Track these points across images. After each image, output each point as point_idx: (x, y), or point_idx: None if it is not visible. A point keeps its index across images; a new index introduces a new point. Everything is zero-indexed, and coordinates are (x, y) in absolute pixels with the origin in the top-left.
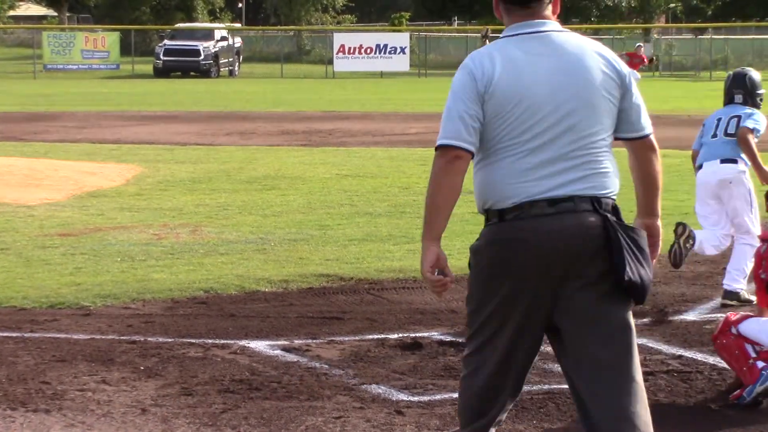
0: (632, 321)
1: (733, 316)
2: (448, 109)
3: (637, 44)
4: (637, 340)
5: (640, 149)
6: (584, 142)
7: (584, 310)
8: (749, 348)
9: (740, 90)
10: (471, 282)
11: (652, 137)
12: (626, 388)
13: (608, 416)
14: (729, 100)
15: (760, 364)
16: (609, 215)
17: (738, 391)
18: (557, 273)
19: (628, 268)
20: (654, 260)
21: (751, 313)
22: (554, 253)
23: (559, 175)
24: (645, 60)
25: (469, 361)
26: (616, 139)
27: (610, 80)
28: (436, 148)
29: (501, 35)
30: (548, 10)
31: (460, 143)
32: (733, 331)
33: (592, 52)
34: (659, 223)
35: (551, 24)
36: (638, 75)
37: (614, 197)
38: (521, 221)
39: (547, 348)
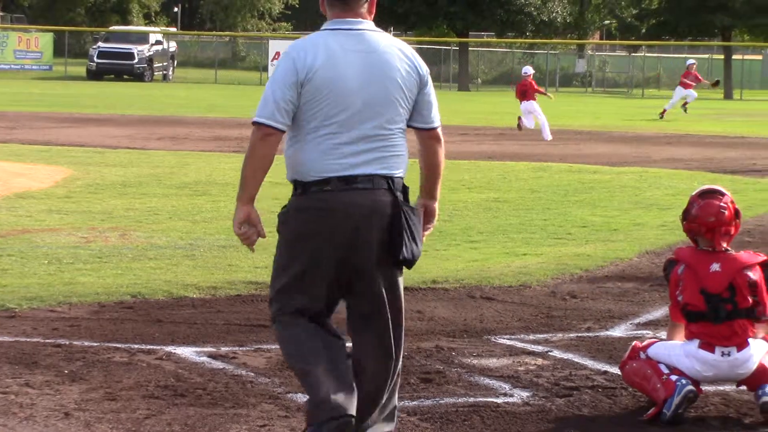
0: (401, 281)
1: (640, 343)
2: (267, 90)
3: (689, 62)
4: (559, 354)
5: (428, 139)
6: (383, 129)
7: (368, 273)
8: (662, 366)
9: None
10: (279, 244)
11: (439, 130)
12: (396, 333)
13: (377, 354)
14: None
15: (674, 377)
16: (399, 194)
17: (653, 409)
18: (351, 240)
19: (404, 248)
20: (425, 235)
21: (655, 339)
22: (350, 222)
23: (359, 155)
24: (699, 78)
25: (282, 318)
26: (408, 127)
27: (411, 77)
28: (253, 124)
29: (322, 28)
30: (364, 9)
31: (273, 123)
32: (642, 356)
33: (399, 52)
34: (437, 205)
35: (366, 23)
36: (695, 94)
37: (403, 176)
38: (324, 193)
39: (473, 361)
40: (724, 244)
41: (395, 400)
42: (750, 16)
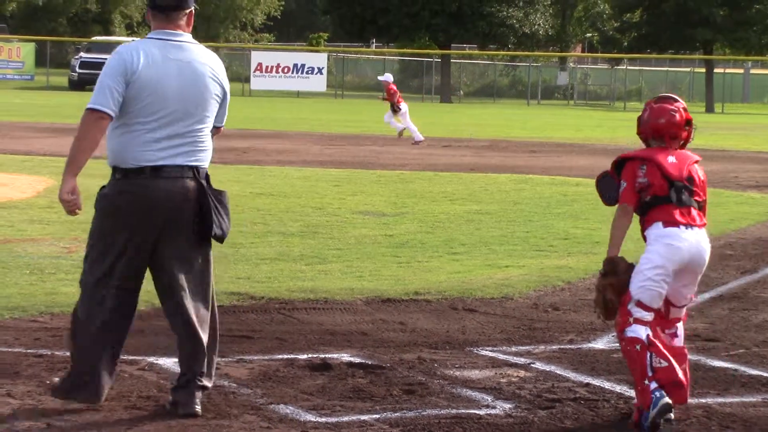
0: (211, 255)
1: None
2: (101, 82)
3: None
4: (541, 366)
5: (215, 134)
6: (193, 128)
7: (178, 249)
8: (648, 360)
9: None
10: (96, 221)
11: (222, 129)
12: (202, 303)
13: (185, 321)
14: None
15: (653, 385)
16: (203, 182)
17: (635, 413)
18: (162, 221)
19: (215, 226)
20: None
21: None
22: (162, 205)
23: (173, 149)
24: None
25: (91, 288)
26: None
27: (218, 86)
28: (87, 109)
29: (147, 36)
30: (183, 22)
31: (105, 109)
32: (630, 306)
33: (211, 63)
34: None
35: (186, 36)
36: None
37: (207, 167)
38: (141, 179)
39: (455, 373)
40: (675, 148)
41: (214, 361)
42: (731, 30)
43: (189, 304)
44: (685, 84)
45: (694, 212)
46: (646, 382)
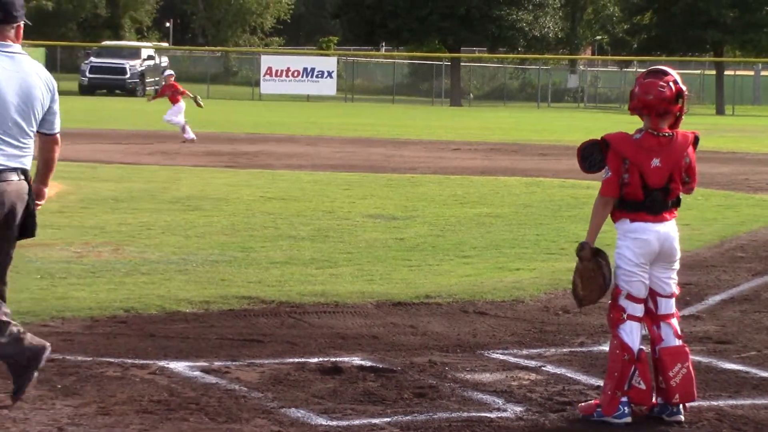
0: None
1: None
2: None
3: None
4: (552, 369)
5: (48, 142)
6: (24, 133)
7: (9, 242)
8: (631, 375)
9: None
10: None
11: (58, 136)
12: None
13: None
14: None
15: (624, 399)
16: (30, 183)
17: (591, 404)
18: (6, 216)
19: (36, 226)
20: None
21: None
22: (7, 203)
23: (8, 154)
24: None
25: None
26: (37, 132)
27: (47, 93)
28: None
29: None
30: (11, 34)
31: None
32: (619, 299)
33: (39, 72)
34: (46, 190)
35: (15, 47)
36: None
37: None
38: None
39: (466, 376)
40: (665, 126)
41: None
42: (741, 32)
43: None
44: (695, 86)
45: (667, 214)
46: (618, 393)
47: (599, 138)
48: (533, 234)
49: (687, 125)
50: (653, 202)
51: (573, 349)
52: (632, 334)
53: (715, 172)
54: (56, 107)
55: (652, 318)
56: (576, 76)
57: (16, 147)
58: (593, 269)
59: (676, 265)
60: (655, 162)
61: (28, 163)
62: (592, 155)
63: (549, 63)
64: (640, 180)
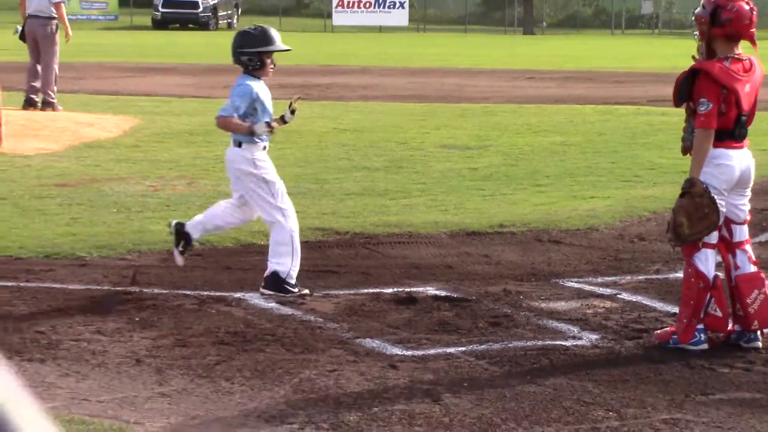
0: None
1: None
2: None
3: None
4: (628, 297)
5: None
6: None
7: None
8: (707, 302)
9: None
10: None
11: None
12: None
13: None
14: None
15: (700, 326)
16: None
17: (667, 331)
18: None
19: None
20: None
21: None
22: None
23: None
24: None
25: None
26: None
27: None
28: None
29: None
30: None
31: None
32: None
33: None
34: None
35: None
36: None
37: None
38: None
39: (541, 304)
40: (744, 54)
41: None
42: None
43: None
44: None
45: (744, 136)
46: (694, 320)
47: (690, 69)
48: (607, 162)
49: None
50: (741, 129)
51: (648, 277)
52: (707, 261)
53: None
54: None
55: (727, 245)
56: (650, 2)
57: None
58: (708, 205)
59: (749, 192)
60: (747, 87)
61: None
62: (683, 88)
63: None
64: (736, 107)
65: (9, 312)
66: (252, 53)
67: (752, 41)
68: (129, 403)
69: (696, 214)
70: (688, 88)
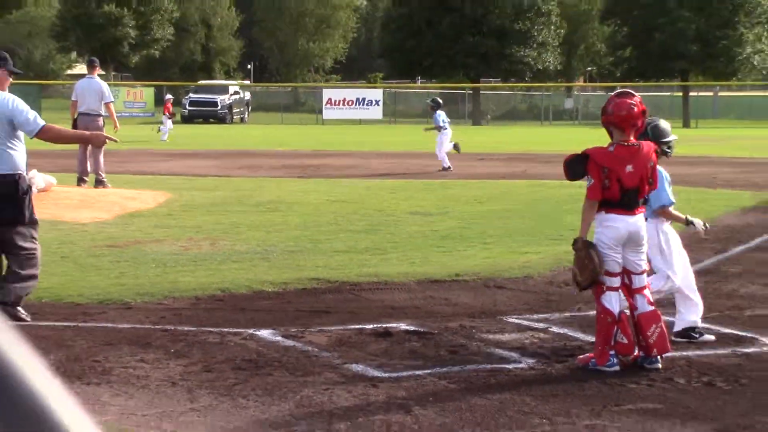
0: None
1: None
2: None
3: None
4: (556, 330)
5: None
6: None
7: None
8: (614, 333)
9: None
10: None
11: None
12: None
13: None
14: None
15: (612, 353)
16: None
17: (586, 356)
18: None
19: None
20: None
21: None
22: None
23: None
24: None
25: None
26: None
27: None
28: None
29: None
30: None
31: None
32: (603, 278)
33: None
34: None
35: None
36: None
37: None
38: None
39: (489, 336)
40: (632, 137)
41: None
42: (703, 62)
43: None
44: (666, 105)
45: (635, 206)
46: (607, 347)
47: (581, 152)
48: (539, 224)
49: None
50: (628, 199)
51: (573, 314)
52: (611, 301)
53: (688, 173)
54: (18, 120)
55: (629, 291)
56: (572, 99)
57: None
58: (586, 257)
59: (644, 248)
60: (629, 168)
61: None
62: (576, 167)
63: (550, 89)
64: (619, 185)
65: (71, 346)
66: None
67: (628, 132)
68: (167, 417)
69: (580, 264)
70: (583, 167)
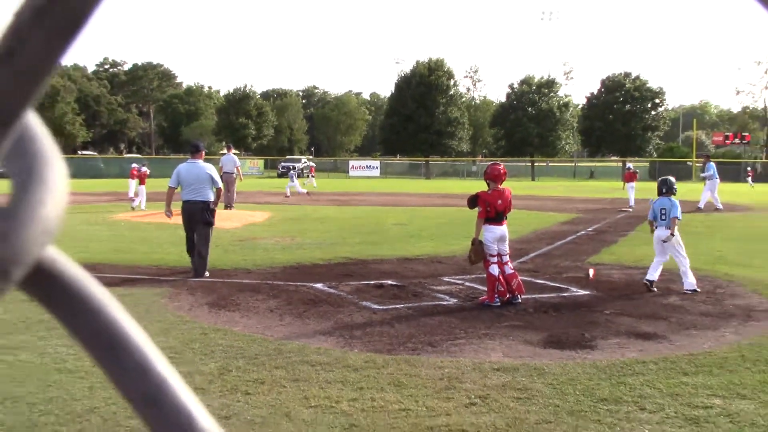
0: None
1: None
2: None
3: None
4: (468, 284)
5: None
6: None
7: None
8: (497, 286)
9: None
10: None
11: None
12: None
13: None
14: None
15: (496, 295)
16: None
17: (483, 298)
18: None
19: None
20: None
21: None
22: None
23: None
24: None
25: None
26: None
27: (208, 174)
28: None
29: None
30: (199, 155)
31: (172, 184)
32: (489, 257)
33: (207, 167)
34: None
35: (199, 161)
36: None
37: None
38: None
39: (435, 287)
40: (500, 185)
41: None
42: (542, 146)
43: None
44: (522, 170)
45: (502, 220)
46: (494, 293)
47: (475, 194)
48: (456, 231)
49: (517, 185)
50: (498, 215)
51: (476, 275)
52: (493, 269)
53: (532, 204)
54: (215, 179)
55: (501, 263)
56: (476, 166)
57: (195, 191)
58: (478, 248)
59: (506, 244)
60: (499, 201)
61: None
62: (472, 201)
63: (465, 161)
64: (495, 210)
65: (220, 290)
66: None
67: (498, 182)
68: (268, 328)
69: (475, 251)
70: (475, 201)
